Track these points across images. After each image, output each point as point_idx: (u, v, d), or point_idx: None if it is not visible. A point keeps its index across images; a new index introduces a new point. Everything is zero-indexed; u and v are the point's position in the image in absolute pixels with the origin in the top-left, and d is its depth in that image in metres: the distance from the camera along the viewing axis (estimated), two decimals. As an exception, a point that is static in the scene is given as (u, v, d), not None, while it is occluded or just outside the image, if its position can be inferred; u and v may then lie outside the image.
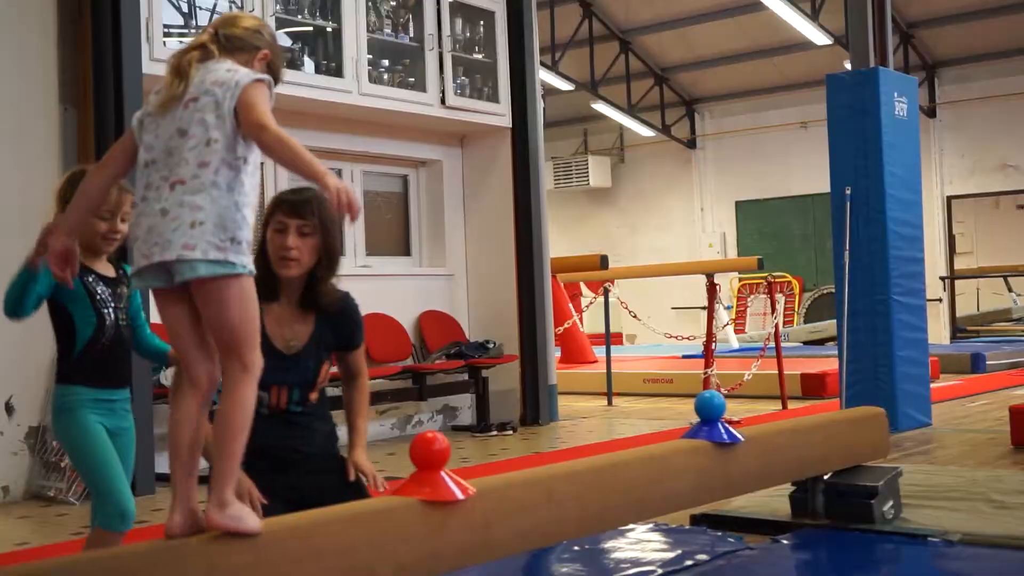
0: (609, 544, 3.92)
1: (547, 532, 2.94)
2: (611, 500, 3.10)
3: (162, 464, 5.97)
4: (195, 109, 2.56)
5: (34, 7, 5.64)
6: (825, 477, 4.01)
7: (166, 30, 6.03)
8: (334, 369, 3.38)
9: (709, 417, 3.49)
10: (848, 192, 6.74)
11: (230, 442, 2.49)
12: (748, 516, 4.16)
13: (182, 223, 2.47)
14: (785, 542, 3.84)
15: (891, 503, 3.98)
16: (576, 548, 3.85)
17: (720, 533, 4.01)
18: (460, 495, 2.64)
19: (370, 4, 7.16)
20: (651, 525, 4.11)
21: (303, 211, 3.08)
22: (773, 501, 4.26)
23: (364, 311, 7.59)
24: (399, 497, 2.60)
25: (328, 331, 3.23)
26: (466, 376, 7.69)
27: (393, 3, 7.43)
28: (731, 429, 3.50)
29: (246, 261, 2.49)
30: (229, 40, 2.75)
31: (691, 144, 18.07)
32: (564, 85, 16.17)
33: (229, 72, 2.61)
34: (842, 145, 6.85)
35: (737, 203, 17.75)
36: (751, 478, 3.62)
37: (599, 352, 11.69)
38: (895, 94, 6.83)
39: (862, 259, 6.69)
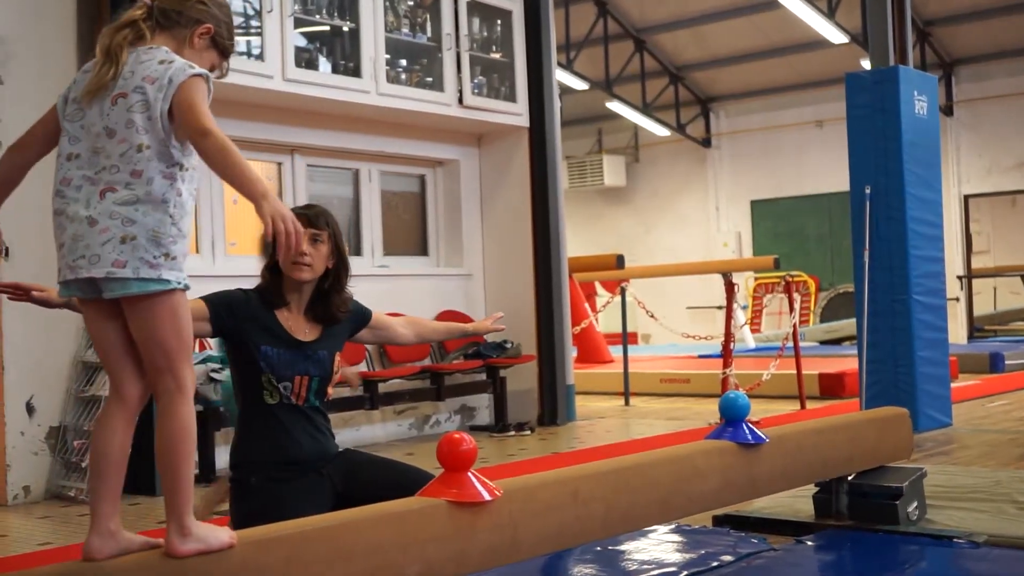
0: (632, 545, 3.91)
1: (573, 533, 2.94)
2: (637, 501, 3.09)
3: (182, 464, 5.98)
4: (124, 107, 2.38)
5: (53, 10, 5.65)
6: (849, 478, 4.00)
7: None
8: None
9: (734, 418, 3.48)
10: (868, 191, 6.70)
11: (179, 466, 2.35)
12: (771, 517, 4.15)
13: (112, 237, 2.32)
14: (809, 543, 3.83)
15: (915, 504, 3.96)
16: (599, 549, 3.84)
17: (743, 534, 4.00)
18: (487, 496, 2.64)
19: (388, 4, 7.15)
20: (674, 526, 4.10)
21: (316, 222, 3.28)
22: (796, 501, 4.25)
23: (382, 311, 7.59)
24: (427, 498, 2.60)
25: (336, 327, 3.39)
26: (484, 376, 7.69)
27: (411, 3, 7.43)
28: (755, 430, 3.49)
29: (181, 276, 2.37)
30: (164, 14, 2.54)
31: (706, 143, 18.03)
32: (579, 84, 16.16)
33: (162, 64, 2.40)
34: (862, 144, 6.81)
35: (752, 202, 17.72)
36: (775, 479, 3.61)
37: (614, 352, 11.68)
38: (915, 92, 6.79)
39: (882, 259, 6.65)
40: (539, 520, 2.80)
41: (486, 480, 2.68)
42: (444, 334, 4.00)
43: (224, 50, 2.64)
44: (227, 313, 3.20)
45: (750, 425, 3.48)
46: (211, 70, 2.63)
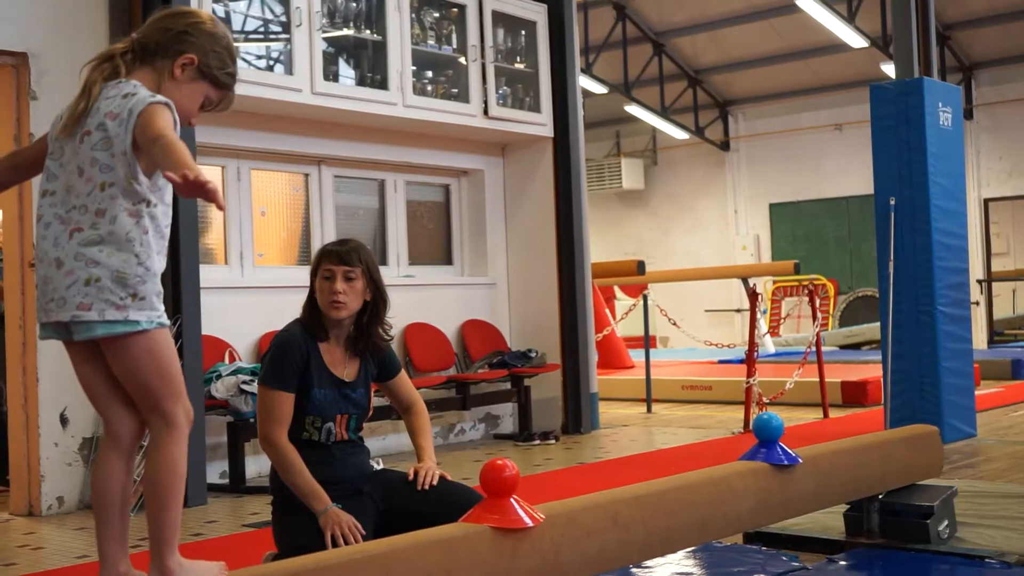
0: (663, 563, 3.94)
1: (613, 556, 2.97)
2: (674, 523, 3.13)
3: (212, 475, 6.05)
4: (89, 145, 2.33)
5: (86, 26, 5.71)
6: (880, 496, 4.02)
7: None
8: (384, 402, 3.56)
9: (767, 439, 3.51)
10: (893, 203, 6.72)
11: (164, 505, 2.32)
12: (802, 534, 4.17)
13: (77, 279, 2.27)
14: (841, 562, 3.85)
15: (946, 523, 3.98)
16: (631, 568, 3.87)
17: (774, 551, 4.04)
18: (529, 522, 2.67)
19: (414, 16, 7.20)
20: (705, 543, 4.13)
21: (348, 259, 3.31)
22: (827, 519, 4.27)
23: (407, 321, 7.70)
24: (471, 524, 2.64)
25: (372, 363, 3.45)
26: (508, 385, 7.73)
27: (436, 15, 7.48)
28: (789, 451, 3.52)
29: (153, 316, 2.32)
30: (144, 48, 2.47)
31: (724, 146, 18.04)
32: (597, 88, 16.19)
33: (125, 99, 2.35)
34: (886, 155, 6.83)
35: (771, 205, 17.72)
36: (808, 499, 3.63)
37: (634, 356, 11.71)
38: (940, 104, 6.80)
39: (907, 270, 6.67)
40: (580, 545, 2.83)
41: (528, 506, 2.71)
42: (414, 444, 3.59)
43: (216, 81, 2.54)
44: (296, 379, 3.26)
45: (783, 446, 3.52)
46: (206, 103, 2.56)
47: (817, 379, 8.51)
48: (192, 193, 2.15)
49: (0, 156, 2.70)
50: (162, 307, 2.36)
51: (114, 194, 2.28)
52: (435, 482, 3.29)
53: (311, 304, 3.35)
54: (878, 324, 12.02)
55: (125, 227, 2.29)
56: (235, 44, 2.63)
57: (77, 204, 2.31)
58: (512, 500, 2.69)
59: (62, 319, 2.29)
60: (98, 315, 2.26)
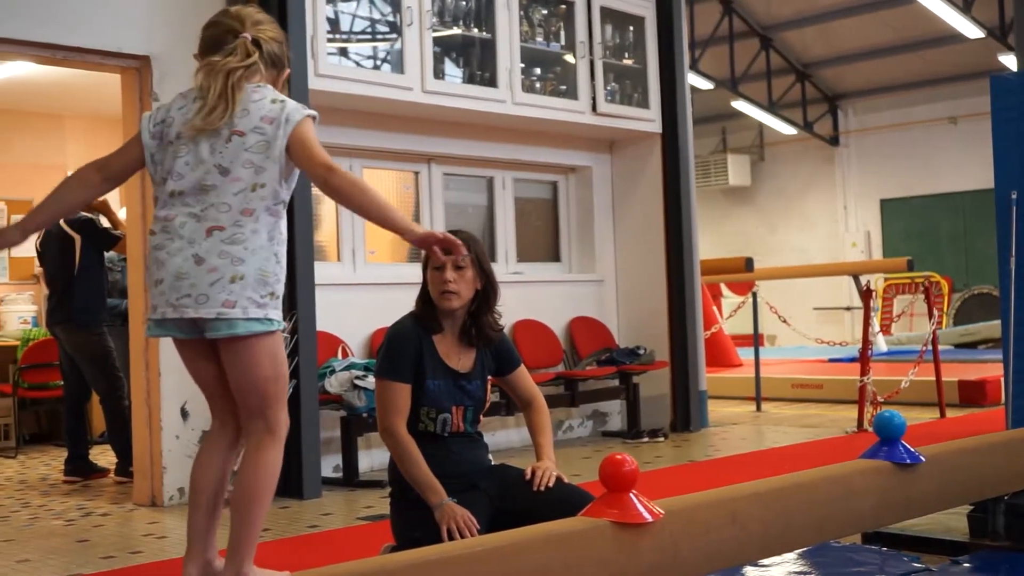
0: (779, 561, 3.89)
1: (732, 553, 2.95)
2: (793, 521, 3.09)
3: (326, 469, 6.15)
4: (242, 147, 2.36)
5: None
6: (1005, 497, 3.91)
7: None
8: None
9: (889, 437, 3.44)
10: (1014, 196, 6.52)
11: (250, 509, 2.34)
12: (923, 535, 4.09)
13: (222, 277, 2.30)
14: (965, 564, 3.76)
15: (1076, 525, 3.86)
16: (748, 566, 3.83)
17: (895, 552, 3.96)
18: (649, 517, 2.66)
19: (523, 14, 7.23)
20: (823, 542, 4.06)
21: None
22: (948, 519, 4.18)
23: (516, 317, 7.76)
24: (590, 519, 2.64)
25: (489, 356, 3.47)
26: (617, 382, 7.70)
27: (545, 12, 7.49)
28: (911, 449, 3.44)
29: (281, 316, 2.40)
30: (272, 56, 2.58)
31: (834, 141, 17.71)
32: (704, 84, 16.03)
33: (275, 104, 2.41)
34: (1007, 148, 6.61)
35: (882, 201, 17.35)
36: (931, 499, 3.55)
37: (742, 354, 11.57)
38: (1064, 94, 6.58)
39: (1029, 266, 6.46)
40: (699, 541, 2.81)
41: (647, 501, 2.70)
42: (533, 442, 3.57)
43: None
44: (412, 369, 3.29)
45: (906, 445, 3.44)
46: None
47: (933, 378, 8.31)
48: (430, 245, 2.38)
49: (87, 169, 2.64)
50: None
51: (264, 195, 2.34)
52: (551, 483, 3.28)
53: (424, 296, 3.39)
54: (995, 322, 11.68)
55: (267, 225, 2.36)
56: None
57: (216, 202, 2.34)
58: (631, 495, 2.69)
59: (204, 316, 2.32)
60: (242, 312, 2.31)
